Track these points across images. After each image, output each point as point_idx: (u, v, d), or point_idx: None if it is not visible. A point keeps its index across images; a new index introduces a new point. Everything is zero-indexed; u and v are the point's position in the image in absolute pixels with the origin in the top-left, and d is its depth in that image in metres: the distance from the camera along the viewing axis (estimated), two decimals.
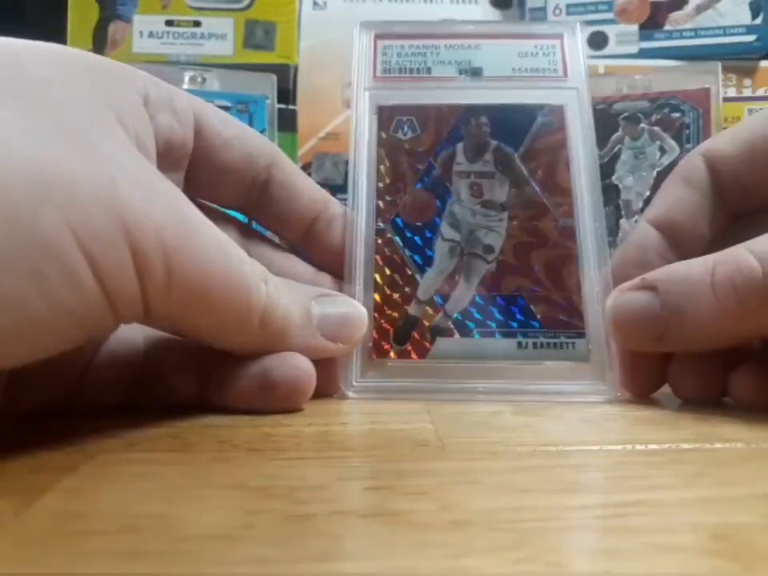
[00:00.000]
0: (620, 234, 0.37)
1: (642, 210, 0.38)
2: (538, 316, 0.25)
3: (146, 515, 0.13)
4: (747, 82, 0.56)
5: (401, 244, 0.26)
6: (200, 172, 0.24)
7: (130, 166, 0.17)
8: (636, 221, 0.38)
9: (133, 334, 0.22)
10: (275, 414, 0.21)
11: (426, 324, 0.25)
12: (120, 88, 0.19)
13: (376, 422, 0.20)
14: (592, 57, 0.55)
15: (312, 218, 0.26)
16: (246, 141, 0.24)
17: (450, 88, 0.29)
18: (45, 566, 0.11)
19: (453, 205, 0.27)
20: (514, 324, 0.25)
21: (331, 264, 0.26)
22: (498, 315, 0.25)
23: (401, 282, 0.26)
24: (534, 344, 0.25)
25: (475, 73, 0.29)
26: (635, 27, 0.59)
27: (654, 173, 0.44)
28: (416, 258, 0.26)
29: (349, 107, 0.33)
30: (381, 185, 0.27)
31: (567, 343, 0.25)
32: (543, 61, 0.29)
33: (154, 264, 0.17)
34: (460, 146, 0.27)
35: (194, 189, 0.24)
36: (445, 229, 0.26)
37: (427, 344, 0.25)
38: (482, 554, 0.11)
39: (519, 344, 0.25)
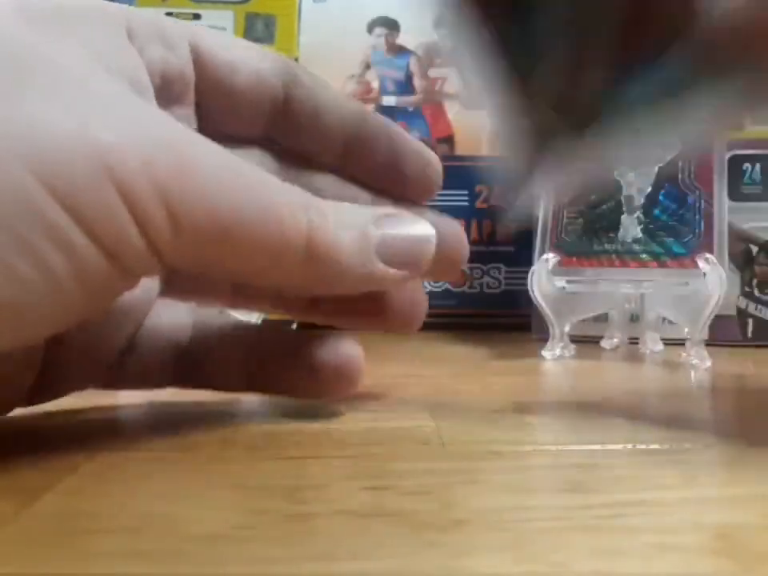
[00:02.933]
0: (621, 230, 0.37)
1: (644, 205, 0.38)
2: None
3: (146, 515, 0.13)
4: None
5: None
6: (210, 103, 0.21)
7: (108, 102, 0.15)
8: (637, 216, 0.38)
9: (180, 318, 0.21)
10: (275, 413, 0.21)
11: None
12: (96, 25, 0.18)
13: (376, 421, 0.20)
14: None
15: (346, 134, 0.22)
16: (255, 61, 0.21)
17: None
18: (45, 566, 0.11)
19: None
20: None
21: (381, 187, 0.23)
22: None
23: None
24: None
25: None
26: None
27: (656, 168, 0.44)
28: None
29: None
30: None
31: None
32: None
33: (151, 205, 0.15)
34: None
35: (209, 123, 0.21)
36: None
37: None
38: (482, 553, 0.11)
39: None
